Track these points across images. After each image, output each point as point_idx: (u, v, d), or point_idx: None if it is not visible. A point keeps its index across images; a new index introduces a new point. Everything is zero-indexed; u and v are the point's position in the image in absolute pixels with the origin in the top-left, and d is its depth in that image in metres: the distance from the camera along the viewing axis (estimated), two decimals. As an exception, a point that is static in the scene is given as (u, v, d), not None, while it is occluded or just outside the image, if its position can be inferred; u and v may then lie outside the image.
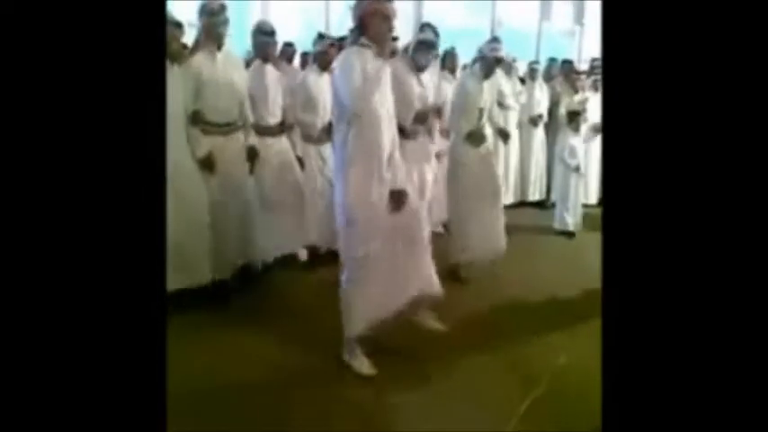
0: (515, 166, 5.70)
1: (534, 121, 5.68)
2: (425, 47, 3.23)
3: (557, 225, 4.95)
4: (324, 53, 3.63)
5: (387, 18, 2.34)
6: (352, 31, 2.42)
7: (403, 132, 2.99)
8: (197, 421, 2.06)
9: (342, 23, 7.39)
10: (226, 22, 3.04)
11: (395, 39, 2.92)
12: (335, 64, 2.46)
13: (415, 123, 3.17)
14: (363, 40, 2.34)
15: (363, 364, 2.48)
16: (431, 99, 3.27)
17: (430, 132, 3.38)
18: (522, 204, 5.82)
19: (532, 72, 5.79)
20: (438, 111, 3.36)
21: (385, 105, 2.38)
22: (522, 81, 5.82)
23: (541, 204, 5.84)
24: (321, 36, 3.72)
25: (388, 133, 2.41)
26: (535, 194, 5.91)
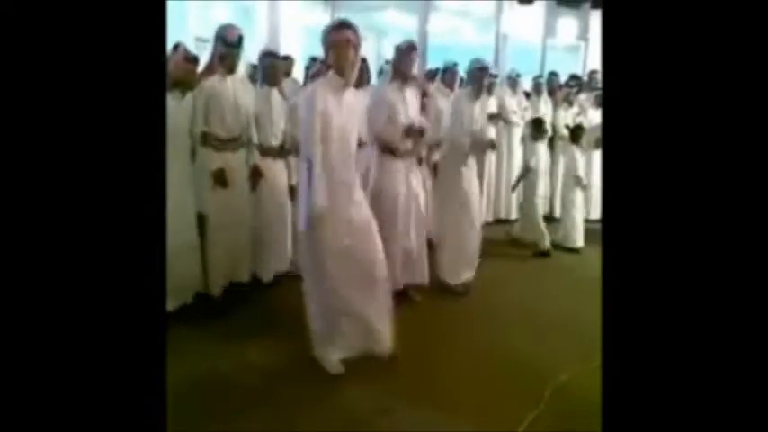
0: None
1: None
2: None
3: (563, 241, 4.92)
4: (318, 75, 3.68)
5: (347, 45, 2.36)
6: (322, 61, 2.47)
7: (394, 152, 3.19)
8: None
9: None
10: (241, 52, 3.14)
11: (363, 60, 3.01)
12: (302, 95, 2.53)
13: (405, 138, 3.22)
14: (329, 72, 2.40)
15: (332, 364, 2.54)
16: (416, 120, 3.28)
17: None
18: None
19: (537, 87, 5.81)
20: (420, 131, 3.32)
21: (341, 136, 2.42)
22: (528, 96, 5.83)
23: (546, 219, 5.80)
24: (314, 59, 3.78)
25: (343, 162, 2.45)
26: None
